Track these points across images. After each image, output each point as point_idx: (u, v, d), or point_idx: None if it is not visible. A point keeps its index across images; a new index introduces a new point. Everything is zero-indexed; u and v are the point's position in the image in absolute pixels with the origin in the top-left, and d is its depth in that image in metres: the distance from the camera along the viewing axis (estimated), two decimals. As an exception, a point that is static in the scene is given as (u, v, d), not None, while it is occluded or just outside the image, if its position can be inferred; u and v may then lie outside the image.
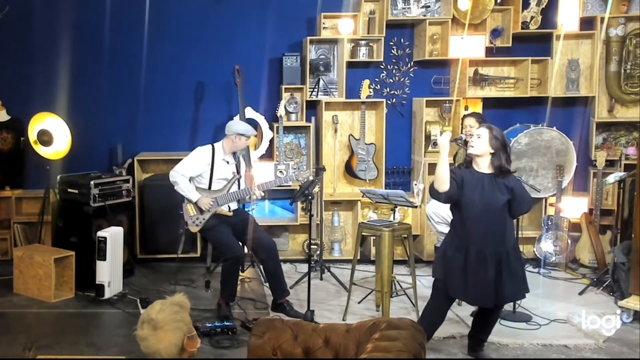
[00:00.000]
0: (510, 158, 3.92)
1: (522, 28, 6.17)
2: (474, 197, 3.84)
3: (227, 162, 4.89)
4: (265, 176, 5.05)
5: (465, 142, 4.83)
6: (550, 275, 5.85)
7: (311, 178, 4.82)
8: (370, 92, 6.18)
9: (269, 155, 6.28)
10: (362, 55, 6.25)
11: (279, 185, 5.14)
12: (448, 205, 4.08)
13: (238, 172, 4.92)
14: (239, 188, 4.89)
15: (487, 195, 3.81)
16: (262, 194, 4.94)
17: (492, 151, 3.84)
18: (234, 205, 4.93)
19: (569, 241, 5.97)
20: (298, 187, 5.04)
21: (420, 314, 4.34)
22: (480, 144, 3.85)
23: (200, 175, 4.84)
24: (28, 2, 6.18)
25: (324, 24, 6.23)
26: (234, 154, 4.92)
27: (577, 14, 6.18)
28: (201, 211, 4.78)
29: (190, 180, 4.82)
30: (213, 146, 4.87)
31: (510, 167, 3.88)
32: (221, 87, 6.30)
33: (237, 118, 5.96)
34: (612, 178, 5.52)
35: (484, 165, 3.87)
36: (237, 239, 4.83)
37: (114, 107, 6.30)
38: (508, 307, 4.78)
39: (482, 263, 3.83)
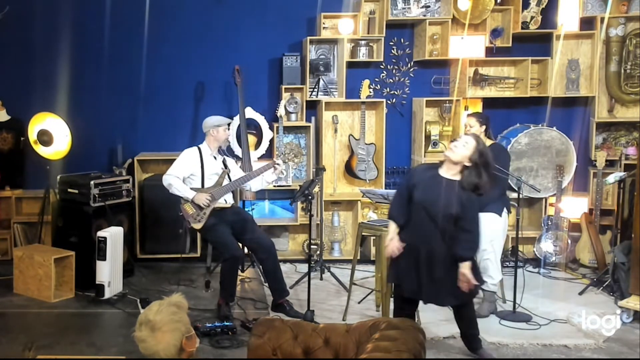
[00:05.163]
0: (489, 175, 3.70)
1: (522, 28, 6.17)
2: (426, 197, 3.72)
3: (215, 158, 5.01)
4: (265, 176, 5.06)
5: None
6: (550, 275, 5.84)
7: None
8: (370, 92, 6.18)
9: (269, 155, 6.28)
10: (362, 55, 6.25)
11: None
12: None
13: (226, 166, 5.02)
14: (230, 181, 4.97)
15: (441, 198, 3.67)
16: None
17: (469, 164, 3.69)
18: (229, 198, 5.00)
19: (569, 241, 5.97)
20: (298, 187, 5.04)
21: (419, 314, 4.35)
22: (464, 151, 3.69)
23: (192, 175, 4.92)
24: (28, 2, 6.18)
25: (324, 24, 6.22)
26: (219, 150, 5.06)
27: (577, 14, 6.17)
28: (200, 207, 4.81)
29: (183, 182, 4.88)
30: (198, 147, 5.00)
31: (484, 188, 3.67)
32: (221, 87, 6.30)
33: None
34: (612, 178, 5.52)
35: (451, 172, 3.75)
36: (236, 239, 4.85)
37: (114, 107, 6.29)
38: (508, 307, 4.79)
39: (434, 262, 3.76)
